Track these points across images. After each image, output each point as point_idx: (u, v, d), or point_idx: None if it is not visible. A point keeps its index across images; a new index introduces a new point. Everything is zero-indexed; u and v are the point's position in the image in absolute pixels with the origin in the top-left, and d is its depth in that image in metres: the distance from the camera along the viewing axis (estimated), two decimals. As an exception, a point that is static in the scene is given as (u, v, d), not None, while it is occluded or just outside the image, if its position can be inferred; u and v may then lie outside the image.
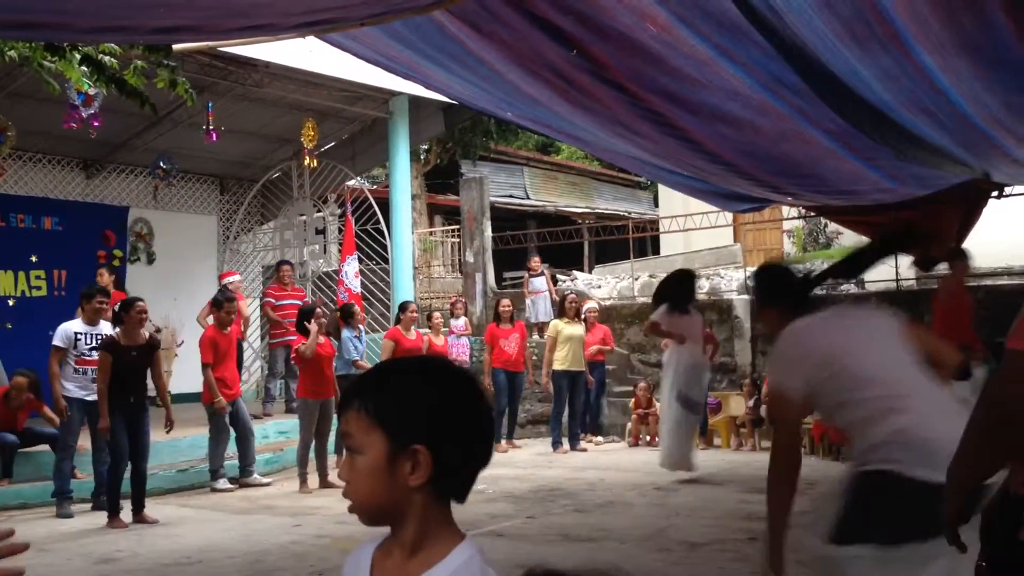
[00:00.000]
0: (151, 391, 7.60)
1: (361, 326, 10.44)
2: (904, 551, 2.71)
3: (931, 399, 2.88)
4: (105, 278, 9.69)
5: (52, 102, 8.52)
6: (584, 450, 11.00)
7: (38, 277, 11.60)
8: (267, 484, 8.82)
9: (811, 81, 4.46)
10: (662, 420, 8.89)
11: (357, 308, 10.62)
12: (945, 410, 2.78)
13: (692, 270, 9.88)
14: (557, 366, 10.87)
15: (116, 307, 7.46)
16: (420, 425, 1.40)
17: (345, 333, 10.06)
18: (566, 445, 10.93)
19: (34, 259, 11.59)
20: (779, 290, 3.61)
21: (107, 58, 6.12)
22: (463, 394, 1.46)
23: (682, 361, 8.51)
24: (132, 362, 7.20)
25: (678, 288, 8.74)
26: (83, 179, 12.54)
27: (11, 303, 11.39)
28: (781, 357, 3.31)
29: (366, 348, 10.34)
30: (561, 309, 11.22)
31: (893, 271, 12.01)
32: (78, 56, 5.88)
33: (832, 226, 17.42)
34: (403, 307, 10.47)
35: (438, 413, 1.41)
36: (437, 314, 11.41)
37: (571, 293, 11.96)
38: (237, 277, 11.24)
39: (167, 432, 7.72)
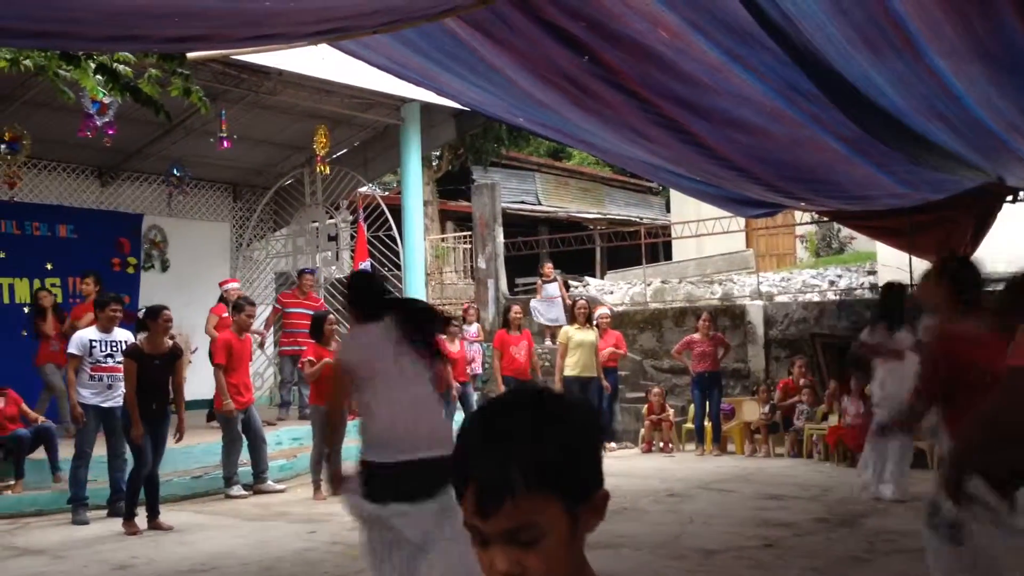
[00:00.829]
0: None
1: None
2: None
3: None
4: (90, 287, 9.70)
5: (67, 111, 8.57)
6: None
7: (53, 284, 11.64)
8: (281, 490, 8.84)
9: (824, 87, 4.45)
10: (880, 448, 7.79)
11: None
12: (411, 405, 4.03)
13: (901, 282, 8.89)
14: (568, 372, 10.84)
15: (142, 314, 7.48)
16: (591, 469, 1.22)
17: None
18: None
19: (49, 267, 11.63)
20: (362, 297, 4.33)
21: (122, 67, 6.14)
22: (585, 412, 1.26)
23: (891, 382, 7.52)
24: (155, 370, 7.23)
25: (894, 302, 7.94)
26: (98, 187, 12.60)
27: (27, 310, 11.44)
28: (346, 344, 4.47)
29: None
30: (571, 315, 11.21)
31: (908, 277, 11.95)
32: (93, 65, 5.91)
33: (845, 231, 17.38)
34: None
35: (593, 447, 1.24)
36: (454, 322, 11.41)
37: (581, 299, 11.95)
38: (236, 284, 11.28)
39: (176, 441, 7.73)
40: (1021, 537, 3.18)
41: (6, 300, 11.30)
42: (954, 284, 3.77)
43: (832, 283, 14.27)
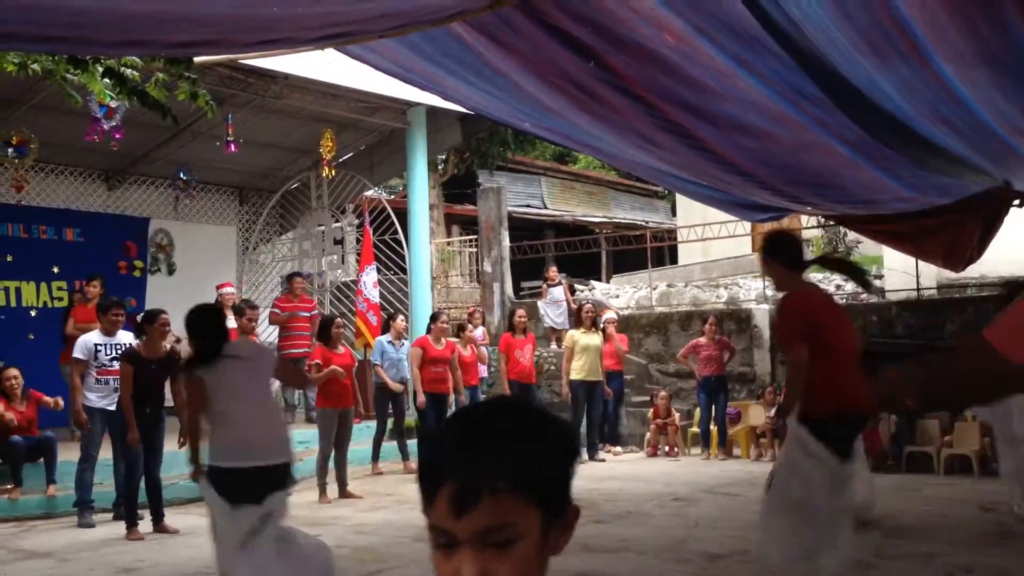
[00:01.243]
0: (167, 401, 7.64)
1: (402, 335, 10.52)
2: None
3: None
4: (97, 289, 9.73)
5: (74, 115, 8.60)
6: (602, 460, 10.96)
7: (60, 288, 11.70)
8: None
9: (830, 92, 4.45)
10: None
11: (400, 318, 10.69)
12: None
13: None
14: (574, 376, 10.85)
15: (139, 318, 7.49)
16: (565, 485, 1.21)
17: (379, 338, 10.15)
18: (584, 455, 10.90)
19: (56, 270, 11.69)
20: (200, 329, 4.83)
21: (129, 71, 6.17)
22: (562, 427, 1.25)
23: None
24: (152, 374, 7.23)
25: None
26: (104, 191, 12.64)
27: (33, 314, 11.50)
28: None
29: (403, 358, 10.39)
30: (577, 319, 11.20)
31: (915, 281, 11.95)
32: (100, 69, 5.94)
33: (852, 235, 17.34)
34: (434, 317, 10.46)
35: (568, 463, 1.22)
36: (470, 326, 11.42)
37: (587, 303, 11.93)
38: (231, 289, 11.30)
39: (180, 447, 7.74)
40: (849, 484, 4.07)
41: (13, 303, 11.35)
42: (785, 259, 4.63)
43: (838, 287, 14.22)
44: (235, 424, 4.65)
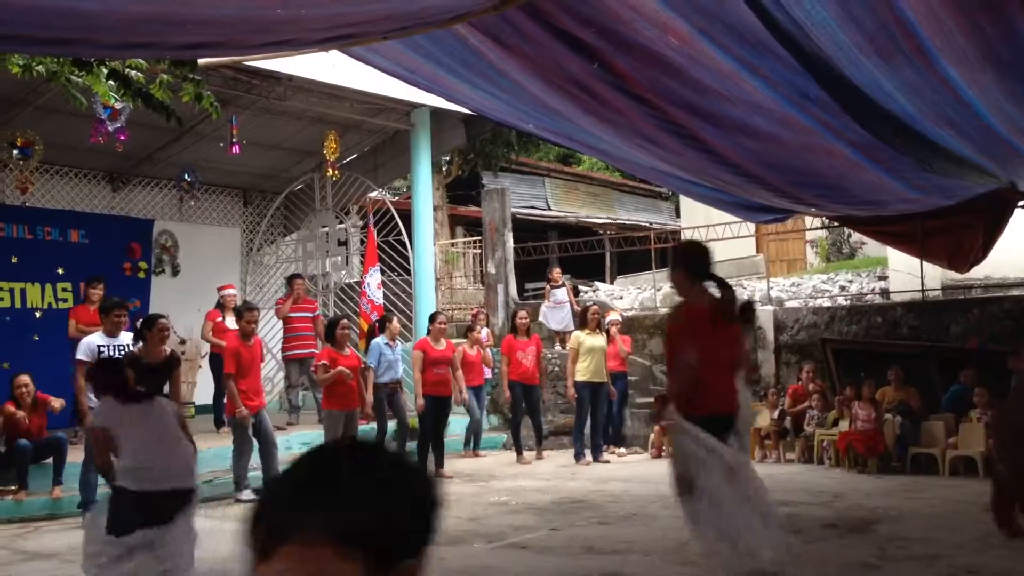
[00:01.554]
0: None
1: (397, 337, 10.52)
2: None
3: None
4: (100, 291, 9.75)
5: (79, 116, 8.62)
6: (607, 462, 10.95)
7: (64, 289, 11.71)
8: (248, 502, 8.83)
9: (834, 94, 4.45)
10: None
11: (393, 319, 10.68)
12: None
13: None
14: (579, 377, 10.84)
15: (139, 323, 7.48)
16: (400, 536, 1.06)
17: (376, 340, 10.15)
18: (588, 457, 10.90)
19: (61, 271, 11.69)
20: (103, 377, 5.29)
21: (134, 72, 6.19)
22: (424, 480, 1.13)
23: None
24: (151, 378, 7.22)
25: None
26: (109, 192, 12.66)
27: (38, 315, 11.50)
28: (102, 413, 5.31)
29: (399, 359, 10.40)
30: (583, 320, 11.18)
31: (919, 282, 11.93)
32: (105, 71, 5.95)
33: (856, 236, 17.34)
34: (432, 318, 10.47)
35: (410, 512, 1.08)
36: (478, 327, 11.41)
37: (593, 304, 11.92)
38: (232, 291, 11.31)
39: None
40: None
41: (18, 304, 11.36)
42: (690, 269, 4.95)
43: (843, 288, 14.25)
44: (134, 453, 5.02)
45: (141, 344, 7.26)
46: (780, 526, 4.90)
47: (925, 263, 11.10)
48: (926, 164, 5.91)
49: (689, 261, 5.02)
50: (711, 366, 4.77)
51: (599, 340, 10.99)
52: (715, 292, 4.94)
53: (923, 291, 11.99)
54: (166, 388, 7.69)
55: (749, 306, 5.75)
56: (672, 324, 5.28)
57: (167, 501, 4.96)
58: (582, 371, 10.82)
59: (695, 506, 4.73)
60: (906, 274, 12.49)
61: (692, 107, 5.09)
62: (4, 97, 9.78)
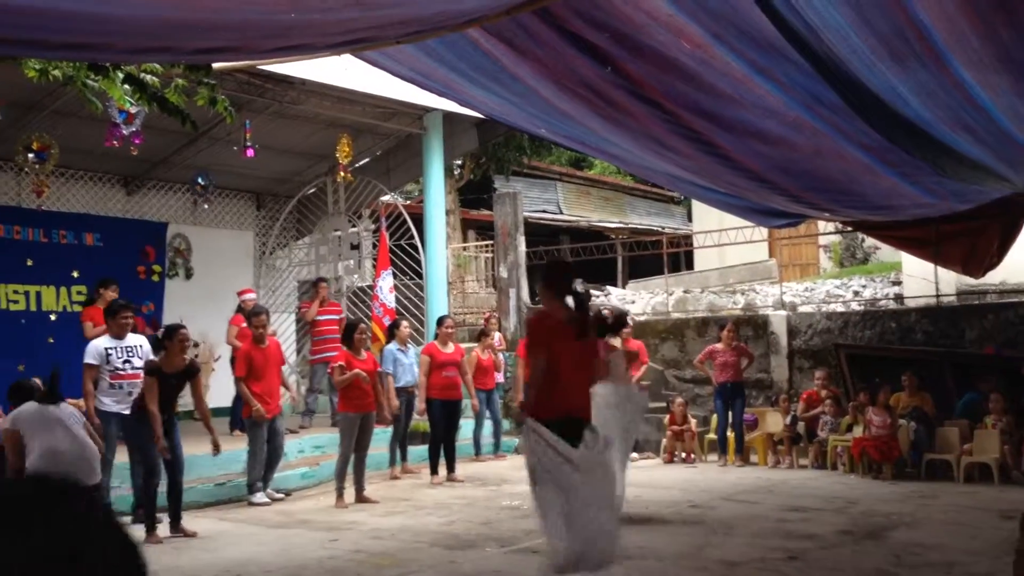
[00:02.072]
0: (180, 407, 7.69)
1: (408, 341, 10.53)
2: None
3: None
4: (114, 294, 9.78)
5: (94, 120, 8.66)
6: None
7: (79, 292, 11.77)
8: (280, 498, 8.81)
9: (848, 98, 4.43)
10: None
11: (403, 324, 10.69)
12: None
13: None
14: None
15: (159, 332, 7.50)
16: None
17: (388, 346, 10.17)
18: None
19: (76, 274, 11.75)
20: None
21: (149, 77, 6.21)
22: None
23: None
24: (172, 387, 7.29)
25: None
26: (123, 195, 12.73)
27: (53, 318, 11.57)
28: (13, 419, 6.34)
29: (413, 363, 10.42)
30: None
31: (934, 287, 11.87)
32: (121, 75, 5.98)
33: (870, 241, 17.28)
34: (440, 321, 10.48)
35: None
36: (492, 331, 11.40)
37: (607, 308, 11.88)
38: (252, 295, 11.36)
39: (215, 456, 7.78)
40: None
41: (33, 307, 11.43)
42: (553, 284, 5.51)
43: (856, 293, 14.19)
44: (40, 454, 6.01)
45: (162, 353, 7.29)
46: (618, 529, 5.28)
47: (940, 268, 11.04)
48: (940, 169, 5.88)
49: (552, 278, 5.61)
50: (563, 372, 5.24)
51: (615, 344, 10.94)
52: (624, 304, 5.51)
53: (938, 296, 11.93)
54: (187, 395, 7.81)
55: (621, 318, 6.35)
56: (528, 331, 5.87)
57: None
58: None
59: (542, 499, 5.14)
60: (920, 279, 12.43)
61: (705, 111, 5.09)
62: (20, 101, 9.83)
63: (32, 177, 10.75)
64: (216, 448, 7.65)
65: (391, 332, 10.43)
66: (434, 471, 9.90)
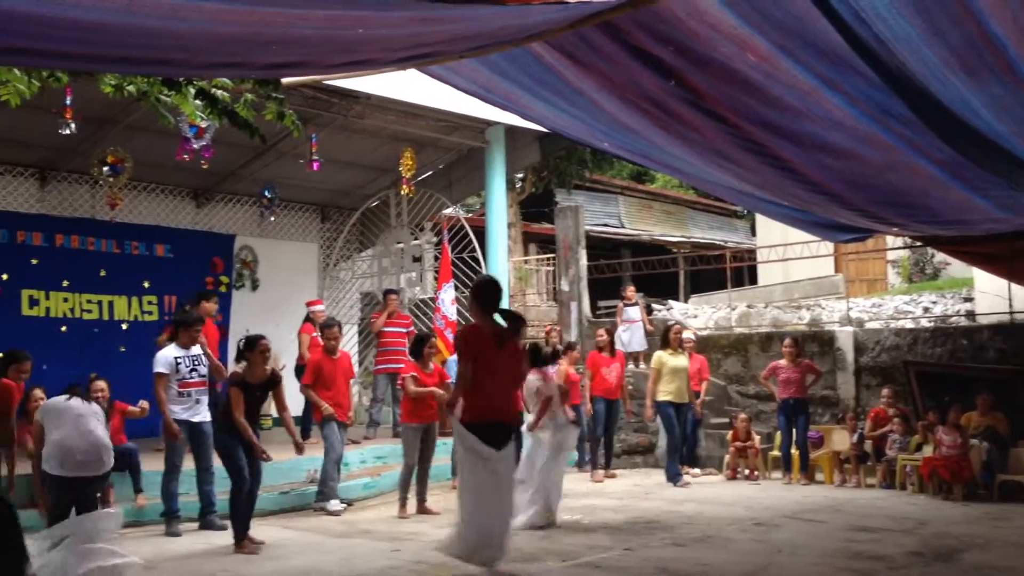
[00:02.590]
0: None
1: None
2: None
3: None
4: (208, 306, 10.01)
5: (165, 134, 8.88)
6: (687, 485, 10.68)
7: (150, 302, 12.06)
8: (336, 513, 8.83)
9: (919, 111, 4.35)
10: None
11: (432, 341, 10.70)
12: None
13: None
14: (663, 397, 10.64)
15: (240, 344, 7.60)
16: None
17: (452, 358, 10.22)
18: (686, 478, 10.69)
19: (146, 285, 12.04)
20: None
21: (220, 92, 6.36)
22: None
23: None
24: (256, 398, 7.41)
25: None
26: (193, 208, 13.02)
27: (124, 327, 11.86)
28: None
29: None
30: (665, 340, 10.98)
31: (1007, 303, 11.56)
32: (193, 90, 6.14)
33: (940, 256, 16.88)
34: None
35: None
36: (602, 331, 11.37)
37: (675, 323, 11.72)
38: (321, 307, 11.49)
39: (298, 455, 7.87)
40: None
41: (105, 316, 11.73)
42: (482, 301, 6.14)
43: (926, 310, 13.86)
44: (53, 444, 6.52)
45: (244, 364, 7.38)
46: (507, 531, 6.01)
47: (1013, 284, 10.74)
48: (1014, 183, 5.73)
49: (479, 295, 6.21)
50: (485, 381, 5.91)
51: (682, 360, 10.83)
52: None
53: (1011, 313, 11.61)
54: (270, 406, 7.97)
55: (556, 352, 7.67)
56: (456, 343, 6.53)
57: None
58: (665, 392, 10.64)
59: (461, 491, 5.99)
60: (993, 296, 12.10)
61: (770, 125, 5.03)
62: (96, 116, 10.13)
63: (106, 190, 11.06)
64: (299, 449, 7.74)
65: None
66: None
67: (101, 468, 6.63)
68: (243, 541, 7.16)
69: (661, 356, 10.81)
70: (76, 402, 6.70)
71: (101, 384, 8.46)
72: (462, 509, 5.89)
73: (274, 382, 7.52)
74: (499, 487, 5.87)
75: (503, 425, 6.00)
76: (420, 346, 9.11)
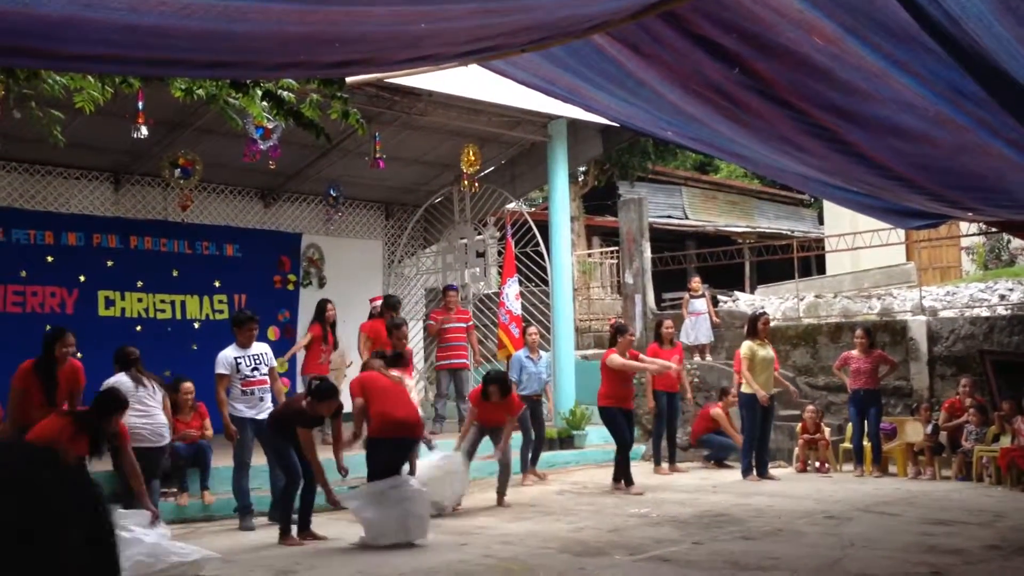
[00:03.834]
0: None
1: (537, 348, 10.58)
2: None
3: None
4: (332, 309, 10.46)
5: (233, 136, 9.05)
6: (776, 478, 10.48)
7: (220, 301, 12.31)
8: None
9: (992, 90, 4.23)
10: None
11: (532, 330, 10.75)
12: None
13: None
14: (747, 390, 10.51)
15: (311, 386, 7.63)
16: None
17: (517, 353, 10.27)
18: (755, 473, 10.52)
19: (217, 284, 12.30)
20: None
21: (286, 93, 6.46)
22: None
23: None
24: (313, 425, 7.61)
25: None
26: (261, 208, 13.24)
27: (196, 326, 12.13)
28: None
29: (542, 371, 10.50)
30: (752, 330, 10.76)
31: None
32: (260, 92, 6.24)
33: (1016, 242, 16.42)
34: (622, 331, 10.19)
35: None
36: (669, 322, 11.32)
37: (763, 312, 11.45)
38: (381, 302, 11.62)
39: (343, 477, 7.91)
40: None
41: (178, 316, 12.01)
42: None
43: (1003, 297, 13.47)
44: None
45: (312, 403, 7.41)
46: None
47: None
48: (1095, 163, 5.54)
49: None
50: (384, 400, 7.63)
51: (769, 351, 10.65)
52: None
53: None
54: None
55: (404, 356, 8.67)
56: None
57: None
58: (758, 384, 10.46)
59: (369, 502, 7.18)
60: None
61: (838, 109, 4.94)
62: (167, 120, 10.37)
63: (177, 192, 11.32)
64: (343, 471, 7.78)
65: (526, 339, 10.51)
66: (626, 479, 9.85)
67: (160, 441, 7.65)
68: (289, 536, 7.29)
69: (751, 346, 10.57)
70: (142, 386, 7.54)
71: (188, 385, 8.70)
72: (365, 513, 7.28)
73: (336, 416, 7.62)
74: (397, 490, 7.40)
75: (404, 440, 7.73)
76: (621, 334, 9.82)
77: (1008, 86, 4.20)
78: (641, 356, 10.28)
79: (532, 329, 10.91)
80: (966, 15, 3.57)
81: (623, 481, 9.75)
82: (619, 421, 9.82)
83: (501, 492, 8.88)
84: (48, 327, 8.46)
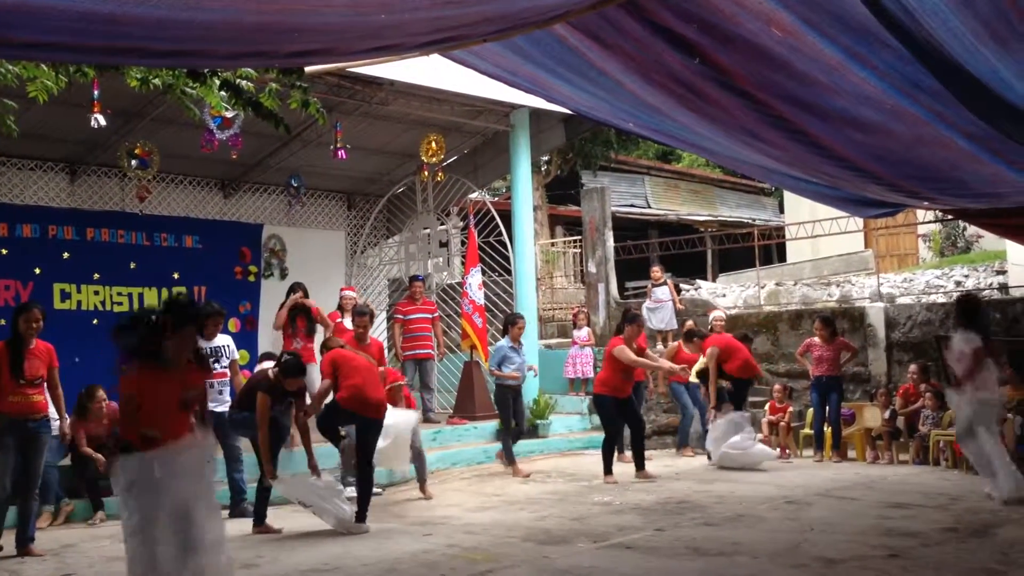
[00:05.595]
0: None
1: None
2: None
3: None
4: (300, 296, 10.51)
5: (191, 126, 8.93)
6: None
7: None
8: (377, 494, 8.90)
9: (948, 83, 4.29)
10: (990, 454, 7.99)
11: (520, 320, 10.61)
12: None
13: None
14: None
15: (283, 360, 7.59)
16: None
17: (500, 342, 10.27)
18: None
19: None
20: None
21: (244, 82, 6.39)
22: None
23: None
24: (287, 404, 7.51)
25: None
26: (221, 198, 13.09)
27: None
28: None
29: (524, 360, 10.49)
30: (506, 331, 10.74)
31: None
32: (218, 82, 6.17)
33: (971, 229, 16.70)
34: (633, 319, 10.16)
35: None
36: (639, 318, 11.35)
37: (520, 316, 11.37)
38: (352, 293, 11.54)
39: (316, 479, 7.84)
40: None
41: (136, 309, 11.83)
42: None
43: (958, 284, 13.72)
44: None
45: (280, 377, 7.39)
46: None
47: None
48: (1048, 154, 5.64)
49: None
50: (352, 382, 7.55)
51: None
52: None
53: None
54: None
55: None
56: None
57: None
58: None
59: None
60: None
61: (797, 100, 4.99)
62: (123, 110, 10.20)
63: (135, 183, 11.16)
64: (316, 472, 7.70)
65: (506, 328, 10.43)
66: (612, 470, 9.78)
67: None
68: (263, 525, 7.30)
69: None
70: None
71: (101, 394, 8.44)
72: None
73: (301, 393, 7.58)
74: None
75: (368, 417, 7.65)
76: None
77: (964, 80, 4.27)
78: (648, 352, 10.26)
79: (521, 322, 10.73)
80: (924, 10, 3.62)
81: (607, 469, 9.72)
82: (611, 411, 9.82)
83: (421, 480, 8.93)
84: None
